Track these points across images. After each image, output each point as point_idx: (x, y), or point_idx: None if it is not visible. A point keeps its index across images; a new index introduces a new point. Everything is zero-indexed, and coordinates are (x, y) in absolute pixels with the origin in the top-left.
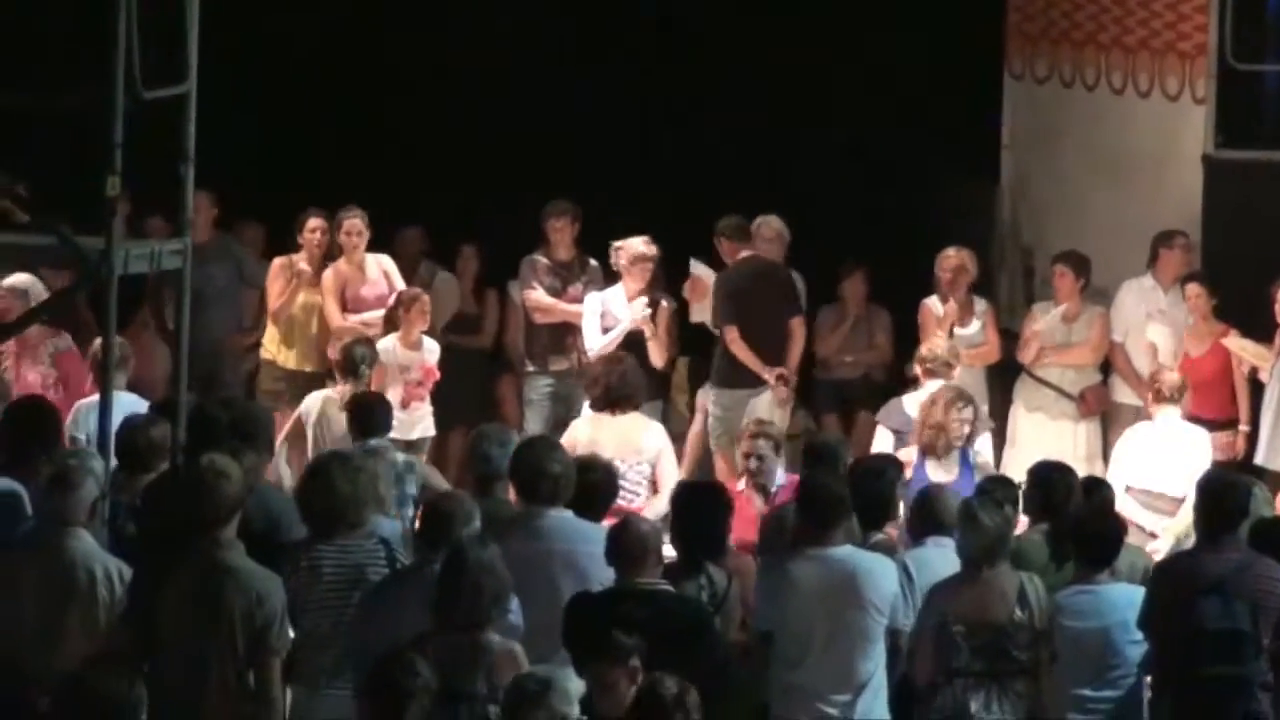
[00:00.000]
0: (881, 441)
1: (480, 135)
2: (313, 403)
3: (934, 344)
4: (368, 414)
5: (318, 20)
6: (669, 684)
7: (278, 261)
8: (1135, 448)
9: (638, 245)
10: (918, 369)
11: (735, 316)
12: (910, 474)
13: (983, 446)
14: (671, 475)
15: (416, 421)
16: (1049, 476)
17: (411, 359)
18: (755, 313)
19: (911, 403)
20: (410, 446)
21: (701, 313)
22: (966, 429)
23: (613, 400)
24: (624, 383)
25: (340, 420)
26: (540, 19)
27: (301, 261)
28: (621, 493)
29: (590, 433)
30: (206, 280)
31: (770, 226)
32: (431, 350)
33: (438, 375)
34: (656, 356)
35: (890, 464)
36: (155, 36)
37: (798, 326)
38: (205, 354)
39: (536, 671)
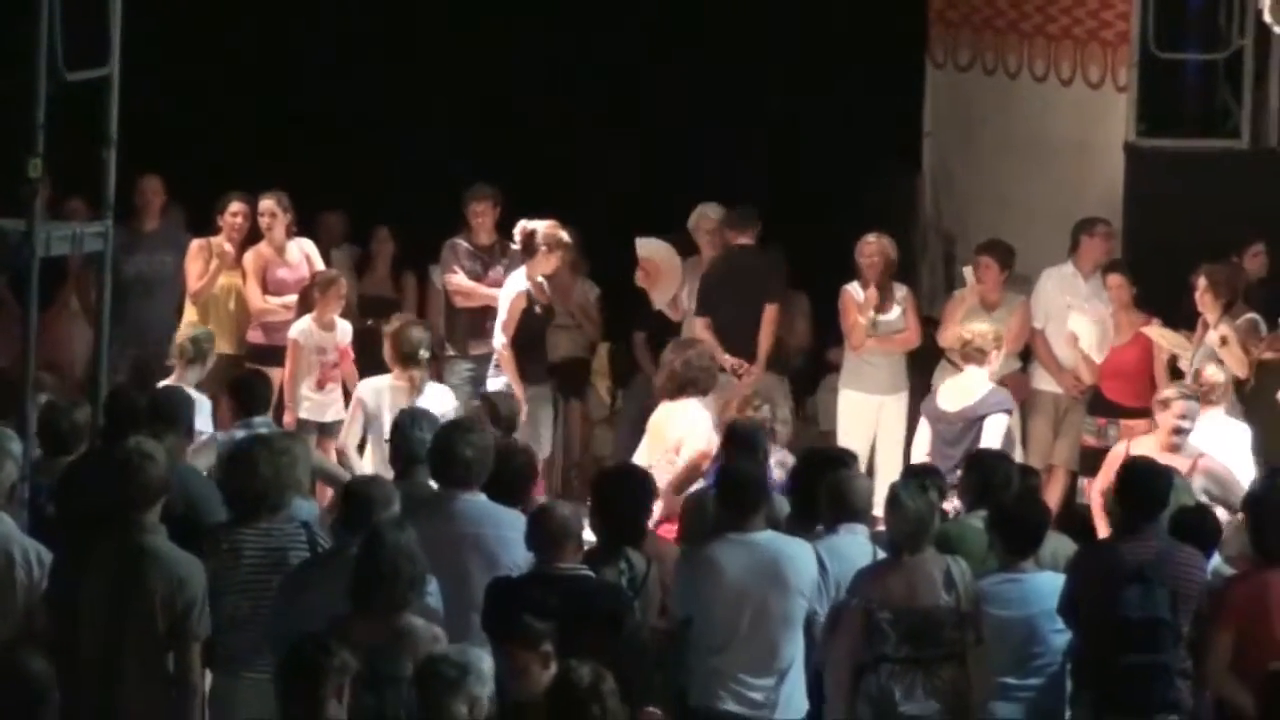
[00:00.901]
0: (921, 429)
1: (400, 119)
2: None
3: (970, 327)
4: (248, 392)
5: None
6: (584, 672)
7: (196, 243)
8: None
9: (555, 230)
10: (960, 350)
11: (706, 307)
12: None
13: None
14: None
15: (330, 404)
16: (988, 463)
17: (327, 340)
18: (731, 302)
19: (944, 388)
20: (324, 429)
21: (661, 296)
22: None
23: (680, 386)
24: (688, 368)
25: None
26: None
27: (223, 244)
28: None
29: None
30: (157, 265)
31: (709, 219)
32: (345, 331)
33: (352, 355)
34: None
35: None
36: (78, 19)
37: (769, 312)
38: (151, 339)
39: (450, 654)
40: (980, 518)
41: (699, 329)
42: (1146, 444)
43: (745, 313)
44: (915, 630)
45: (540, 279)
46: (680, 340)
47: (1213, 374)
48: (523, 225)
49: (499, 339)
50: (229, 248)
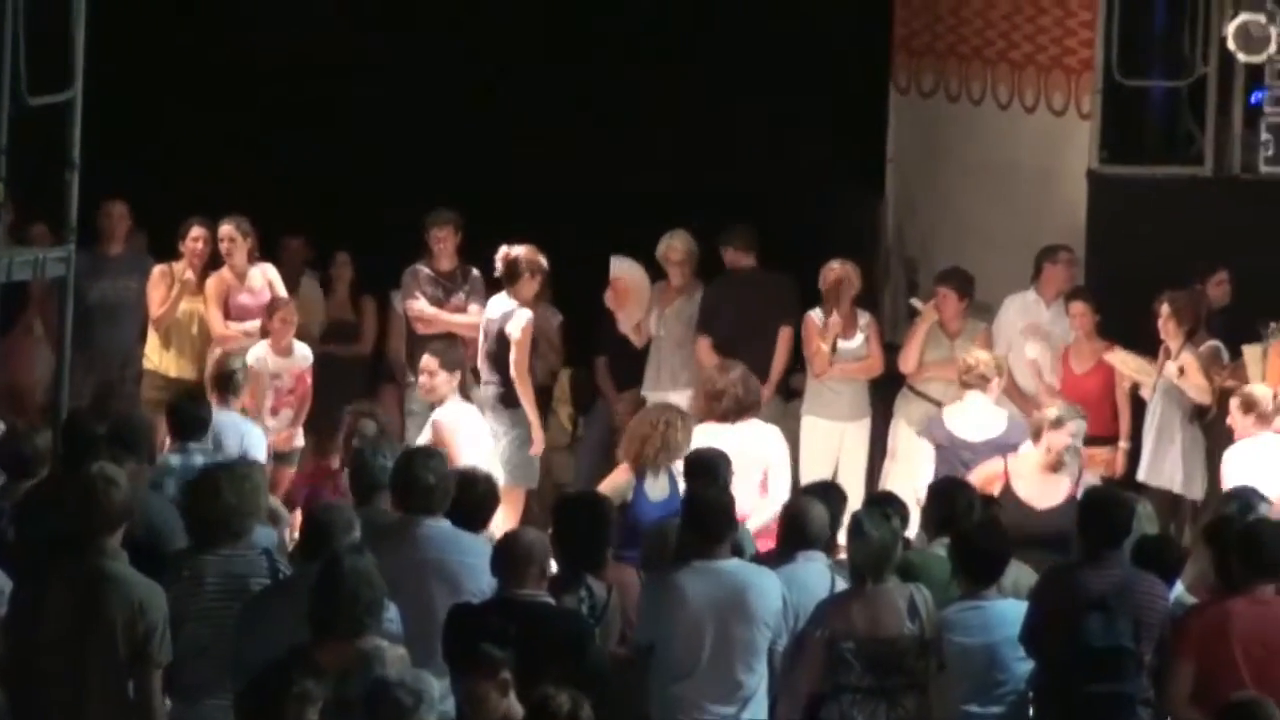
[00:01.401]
0: (925, 456)
1: (365, 146)
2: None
3: (973, 355)
4: (183, 417)
5: (199, 28)
6: (562, 699)
7: (157, 270)
8: (1242, 466)
9: (535, 254)
10: (960, 379)
11: (708, 328)
12: (997, 490)
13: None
14: (782, 483)
15: (282, 429)
16: (950, 492)
17: (282, 366)
18: (735, 324)
19: (952, 415)
20: (280, 457)
21: (628, 319)
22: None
23: (741, 408)
24: (748, 391)
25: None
26: (427, 33)
27: (185, 270)
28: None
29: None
30: (121, 290)
31: (676, 250)
32: (304, 357)
33: (308, 382)
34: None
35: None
36: (41, 43)
37: (784, 334)
38: (115, 364)
39: (406, 679)
40: (943, 546)
41: (703, 349)
42: (1030, 460)
43: (749, 335)
44: (879, 660)
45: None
46: (724, 363)
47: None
48: (505, 251)
49: (520, 373)
50: (190, 275)
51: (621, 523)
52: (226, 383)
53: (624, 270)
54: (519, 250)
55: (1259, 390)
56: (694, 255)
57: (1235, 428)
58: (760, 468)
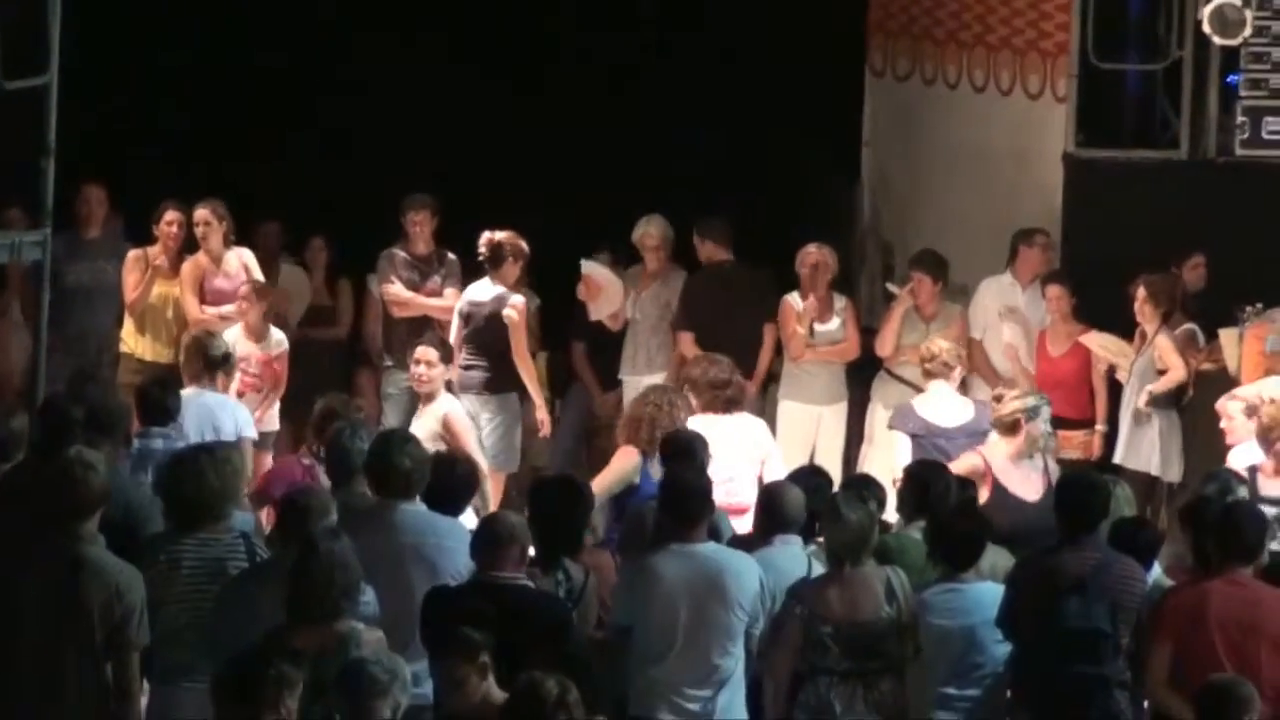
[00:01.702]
0: (901, 446)
1: (341, 129)
2: None
3: (934, 344)
4: (152, 403)
5: (175, 13)
6: (550, 684)
7: (132, 254)
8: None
9: (517, 239)
10: (922, 368)
11: (688, 323)
12: (986, 488)
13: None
14: (781, 471)
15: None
16: (926, 475)
17: (250, 350)
18: (715, 319)
19: (923, 404)
20: (257, 442)
21: (598, 310)
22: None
23: (733, 400)
24: (741, 383)
25: None
26: (409, 16)
27: (159, 255)
28: (732, 492)
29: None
30: (99, 274)
31: (652, 235)
32: (277, 343)
33: (277, 369)
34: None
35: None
36: (16, 27)
37: (769, 332)
38: (92, 348)
39: (382, 658)
40: (919, 529)
41: (685, 344)
42: (1001, 451)
43: (730, 330)
44: (856, 643)
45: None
46: (702, 357)
47: None
48: (489, 236)
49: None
50: (163, 260)
51: (625, 505)
52: (218, 364)
53: (592, 269)
54: (502, 235)
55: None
56: (669, 240)
57: (1234, 430)
58: (759, 457)
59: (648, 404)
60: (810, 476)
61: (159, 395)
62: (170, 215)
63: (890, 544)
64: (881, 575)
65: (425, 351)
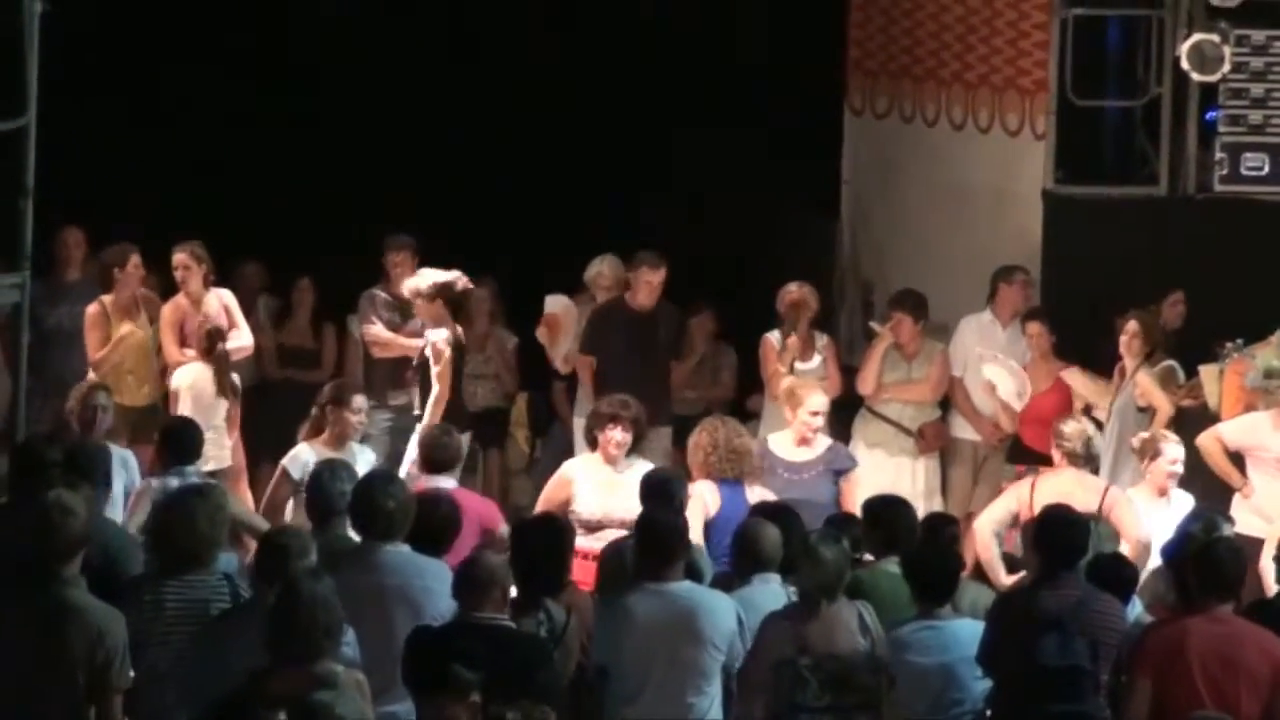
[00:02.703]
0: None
1: (323, 170)
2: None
3: (1074, 428)
4: (178, 440)
5: (153, 56)
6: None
7: (92, 312)
8: None
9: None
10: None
11: (593, 348)
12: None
13: None
14: None
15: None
16: (889, 512)
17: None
18: (622, 355)
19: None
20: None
21: (557, 350)
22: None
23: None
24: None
25: None
26: (385, 57)
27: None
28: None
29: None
30: (78, 317)
31: (605, 276)
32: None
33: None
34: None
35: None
36: None
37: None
38: (72, 390)
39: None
40: (894, 563)
41: (579, 364)
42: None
43: (635, 366)
44: (834, 677)
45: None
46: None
47: None
48: (434, 281)
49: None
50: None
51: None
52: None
53: (554, 304)
54: (450, 277)
55: None
56: (621, 281)
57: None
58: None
59: (703, 431)
60: (779, 512)
61: (188, 432)
62: (134, 259)
63: (863, 579)
64: (853, 609)
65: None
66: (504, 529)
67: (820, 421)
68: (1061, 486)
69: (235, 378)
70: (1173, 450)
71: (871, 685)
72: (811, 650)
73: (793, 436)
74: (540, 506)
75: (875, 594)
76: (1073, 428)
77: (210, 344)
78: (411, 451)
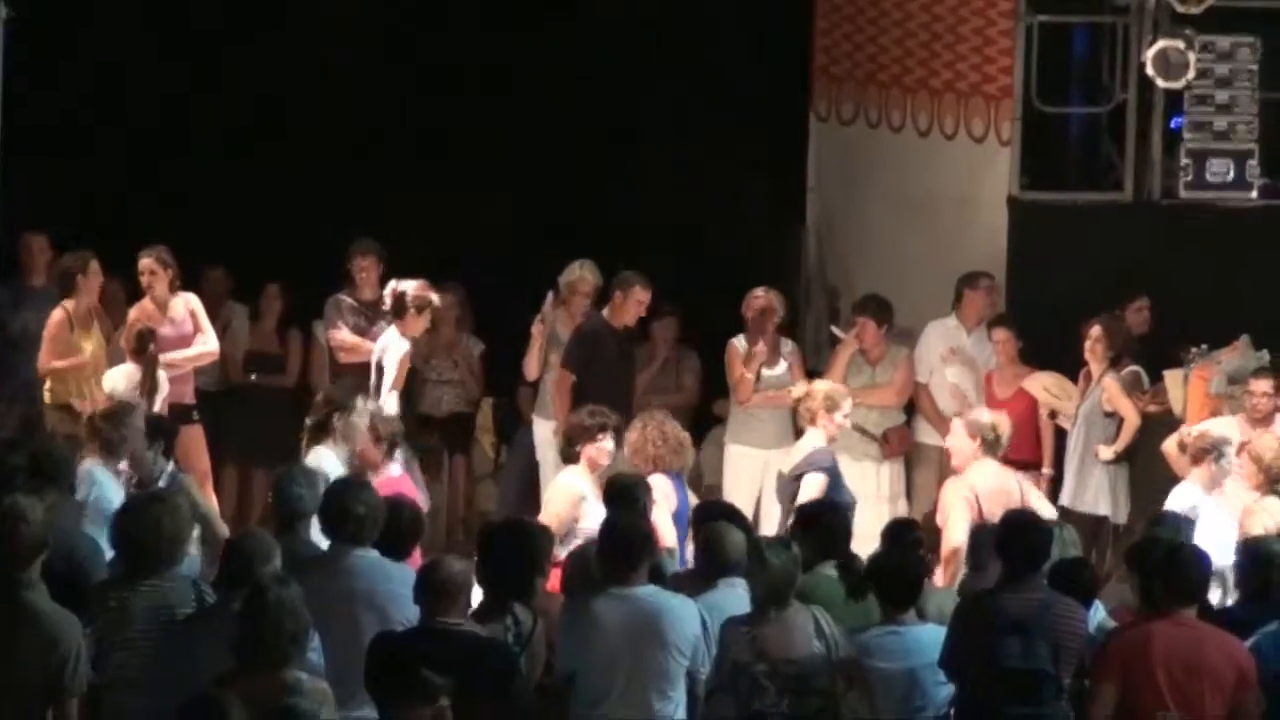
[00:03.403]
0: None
1: (290, 175)
2: None
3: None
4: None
5: (121, 58)
6: None
7: (57, 318)
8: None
9: (424, 291)
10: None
11: (578, 366)
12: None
13: None
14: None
15: None
16: (822, 517)
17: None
18: (599, 373)
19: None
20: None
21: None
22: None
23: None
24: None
25: None
26: (350, 61)
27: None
28: None
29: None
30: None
31: (587, 281)
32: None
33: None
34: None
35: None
36: None
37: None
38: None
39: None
40: (832, 566)
41: (556, 378)
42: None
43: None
44: (792, 682)
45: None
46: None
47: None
48: (393, 286)
49: (393, 401)
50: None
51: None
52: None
53: (548, 308)
54: (406, 285)
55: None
56: (599, 288)
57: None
58: None
59: (646, 425)
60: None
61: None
62: (94, 265)
63: (803, 584)
64: (808, 614)
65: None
66: None
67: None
68: (991, 477)
69: (162, 378)
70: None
71: (829, 689)
72: (767, 656)
73: (823, 434)
74: (552, 524)
75: (815, 596)
76: (988, 418)
77: (140, 345)
78: None
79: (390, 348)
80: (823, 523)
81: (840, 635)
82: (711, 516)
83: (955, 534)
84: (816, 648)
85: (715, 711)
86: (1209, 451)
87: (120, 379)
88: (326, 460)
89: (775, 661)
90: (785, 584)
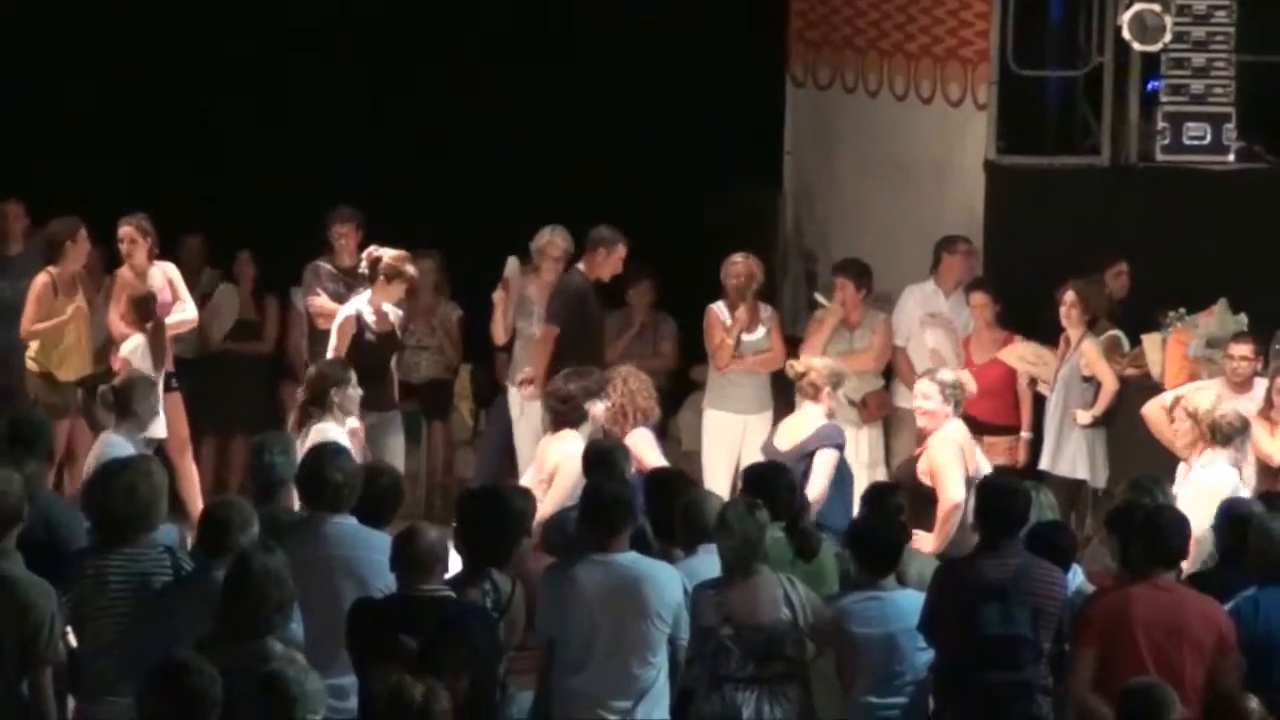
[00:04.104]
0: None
1: (268, 142)
2: None
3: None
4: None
5: (100, 25)
6: (415, 691)
7: (41, 281)
8: None
9: (399, 260)
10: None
11: (557, 319)
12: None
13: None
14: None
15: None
16: (766, 478)
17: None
18: (576, 329)
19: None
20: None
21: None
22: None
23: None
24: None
25: None
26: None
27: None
28: None
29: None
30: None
31: (557, 246)
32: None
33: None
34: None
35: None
36: None
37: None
38: (15, 364)
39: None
40: (780, 528)
41: (541, 335)
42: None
43: (592, 336)
44: (757, 647)
45: (386, 306)
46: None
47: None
48: (369, 251)
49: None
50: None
51: None
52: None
53: (512, 271)
54: (382, 252)
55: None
56: (570, 253)
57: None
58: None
59: (628, 378)
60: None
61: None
62: (83, 232)
63: None
64: (776, 581)
65: None
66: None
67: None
68: (964, 435)
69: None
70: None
71: (795, 656)
72: (734, 620)
73: (823, 410)
74: (569, 494)
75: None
76: (955, 377)
77: (143, 312)
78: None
79: (340, 313)
80: (766, 483)
81: (811, 601)
82: (662, 483)
83: (953, 491)
84: (784, 615)
85: (694, 677)
86: (1241, 431)
87: (135, 351)
88: (334, 434)
89: (741, 627)
90: (748, 549)
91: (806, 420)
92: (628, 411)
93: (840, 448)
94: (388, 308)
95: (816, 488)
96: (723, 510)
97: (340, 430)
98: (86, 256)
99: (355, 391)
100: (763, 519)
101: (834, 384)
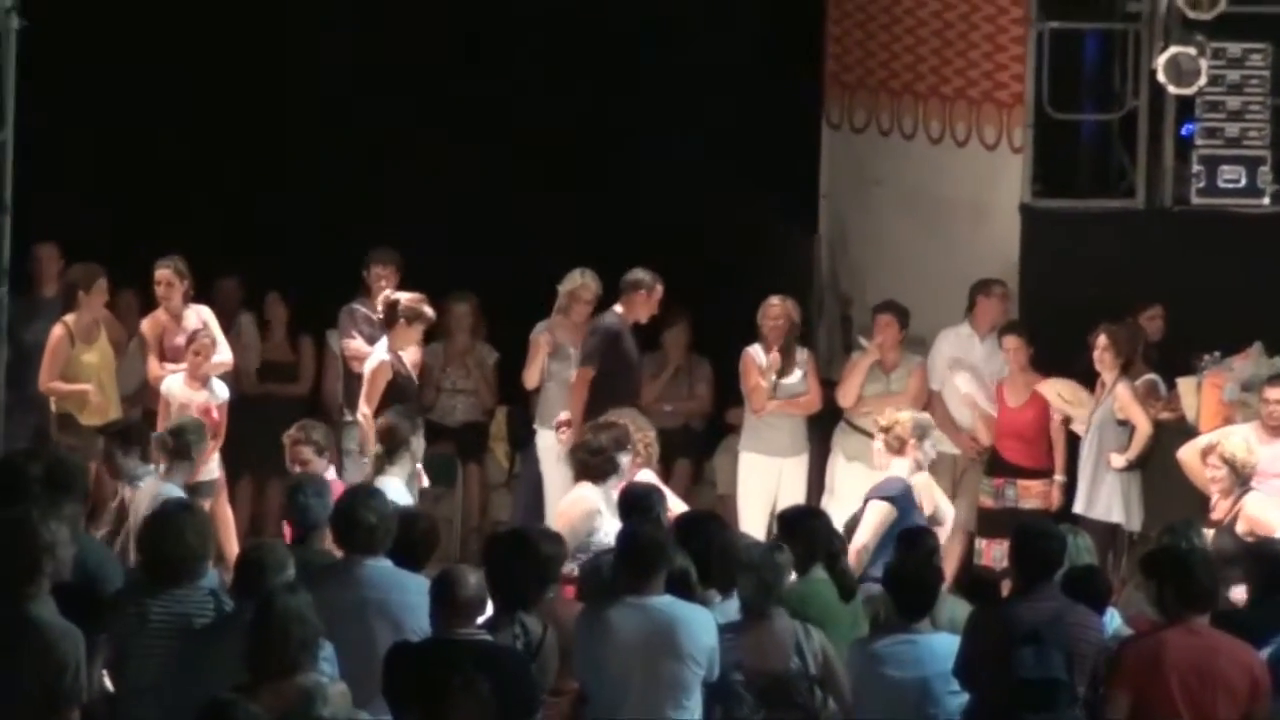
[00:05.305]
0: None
1: (304, 186)
2: None
3: (892, 415)
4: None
5: (129, 67)
6: None
7: (58, 332)
8: None
9: (416, 303)
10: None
11: (592, 361)
12: None
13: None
14: None
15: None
16: (806, 525)
17: (191, 398)
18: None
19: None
20: (194, 490)
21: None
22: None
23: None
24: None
25: None
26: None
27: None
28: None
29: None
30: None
31: (589, 289)
32: (218, 394)
33: (216, 418)
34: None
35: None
36: None
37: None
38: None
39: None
40: (822, 569)
41: (576, 376)
42: None
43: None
44: (768, 693)
45: (402, 353)
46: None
47: None
48: (385, 295)
49: (362, 409)
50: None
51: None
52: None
53: (540, 334)
54: (400, 296)
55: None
56: (600, 296)
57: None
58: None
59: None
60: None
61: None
62: (100, 282)
63: (798, 591)
64: (791, 628)
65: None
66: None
67: None
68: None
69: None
70: None
71: (808, 703)
72: (745, 665)
73: (908, 464)
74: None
75: (814, 604)
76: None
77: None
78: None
79: (370, 358)
80: (801, 526)
81: (824, 652)
82: (695, 525)
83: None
84: (794, 664)
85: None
86: None
87: (177, 387)
88: (393, 488)
89: (750, 672)
90: (764, 590)
91: (893, 475)
92: (644, 456)
93: (894, 499)
94: (404, 354)
95: (859, 539)
96: (745, 550)
97: (400, 484)
98: (102, 306)
99: (418, 442)
100: (783, 561)
101: (919, 436)
